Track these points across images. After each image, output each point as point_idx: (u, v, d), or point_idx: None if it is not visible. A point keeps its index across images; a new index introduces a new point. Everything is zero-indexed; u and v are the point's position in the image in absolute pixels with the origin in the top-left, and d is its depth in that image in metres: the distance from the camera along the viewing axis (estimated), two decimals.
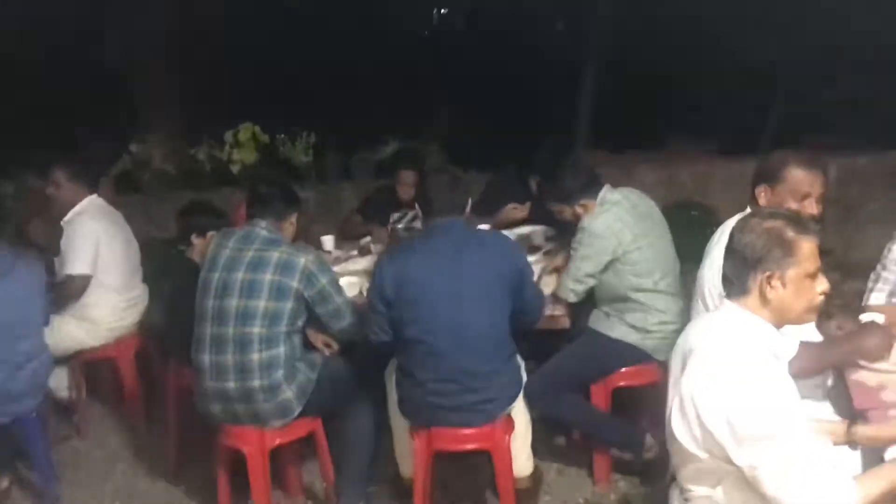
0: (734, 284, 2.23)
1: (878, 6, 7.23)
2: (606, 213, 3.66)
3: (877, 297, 3.30)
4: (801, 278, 2.17)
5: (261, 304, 3.32)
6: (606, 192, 3.74)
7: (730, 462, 2.08)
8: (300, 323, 3.45)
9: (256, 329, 3.31)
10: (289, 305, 3.35)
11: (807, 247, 2.17)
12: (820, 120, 7.86)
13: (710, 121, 8.20)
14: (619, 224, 3.62)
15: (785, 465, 2.00)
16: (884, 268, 3.31)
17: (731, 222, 3.01)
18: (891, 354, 2.75)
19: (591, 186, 3.76)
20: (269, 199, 3.56)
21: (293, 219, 3.63)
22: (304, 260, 3.37)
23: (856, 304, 3.41)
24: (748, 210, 3.02)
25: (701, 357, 2.15)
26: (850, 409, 2.62)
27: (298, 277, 3.35)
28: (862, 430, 2.37)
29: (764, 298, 2.18)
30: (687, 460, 2.23)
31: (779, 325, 2.23)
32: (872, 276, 3.34)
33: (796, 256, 2.15)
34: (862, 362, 2.74)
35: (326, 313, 3.47)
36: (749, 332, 2.17)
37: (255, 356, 3.31)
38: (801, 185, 2.89)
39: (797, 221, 2.22)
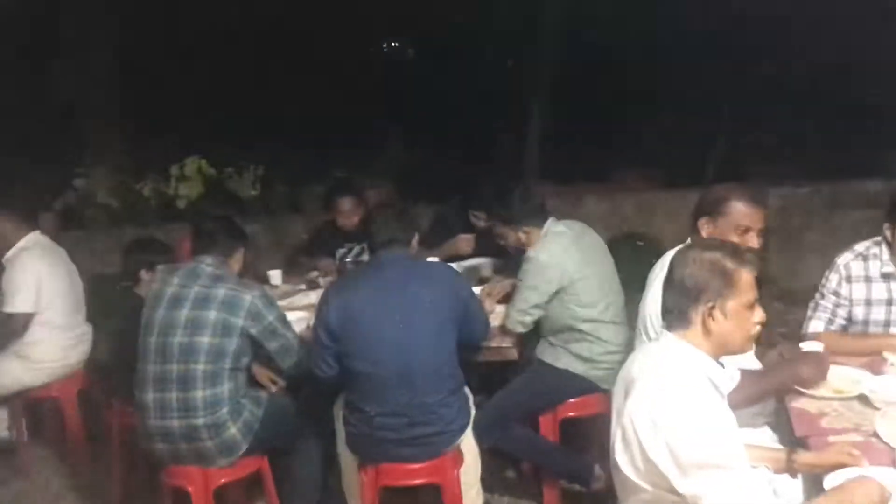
0: (675, 316, 2.24)
1: (817, 44, 7.47)
2: (551, 244, 3.69)
3: (815, 325, 3.36)
4: (741, 309, 2.19)
5: (205, 340, 3.27)
6: (551, 224, 3.79)
7: (674, 492, 2.09)
8: (245, 360, 3.41)
9: (200, 366, 3.27)
10: (234, 343, 3.31)
11: (745, 278, 2.20)
12: (762, 152, 8.07)
13: (655, 153, 8.36)
14: (564, 254, 3.66)
15: (729, 494, 2.02)
16: (822, 296, 3.38)
17: (671, 254, 3.06)
18: (826, 381, 2.80)
19: (538, 215, 3.80)
20: (215, 236, 3.53)
21: (239, 255, 3.61)
22: (249, 297, 3.34)
23: (798, 332, 3.47)
24: (688, 241, 3.07)
25: (642, 388, 2.17)
26: (792, 437, 2.66)
27: (244, 315, 3.32)
28: (802, 458, 2.41)
29: (706, 330, 2.20)
30: (631, 491, 2.24)
31: (718, 356, 2.25)
32: (811, 304, 3.40)
33: (736, 287, 2.18)
34: (802, 389, 2.79)
35: (275, 350, 3.44)
36: (688, 362, 2.19)
37: (199, 393, 3.27)
38: (743, 219, 2.94)
39: (735, 252, 2.25)
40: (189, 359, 3.27)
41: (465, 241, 4.88)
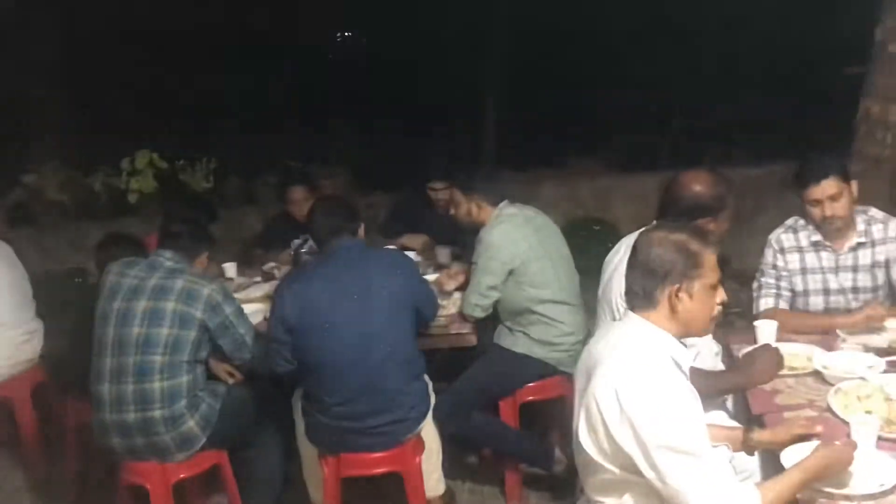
0: (640, 297, 2.24)
1: (769, 27, 7.57)
2: (503, 224, 3.71)
3: (765, 302, 3.44)
4: (706, 289, 2.21)
5: (163, 331, 3.24)
6: (504, 205, 3.80)
7: (638, 473, 2.10)
8: (203, 353, 3.38)
9: (158, 357, 3.23)
10: (192, 334, 3.28)
11: (710, 258, 2.22)
12: (715, 134, 8.16)
13: (611, 138, 8.42)
14: (516, 233, 3.68)
15: (693, 475, 2.03)
16: (762, 273, 3.48)
17: (630, 237, 3.08)
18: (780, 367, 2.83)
19: (494, 192, 3.82)
20: (179, 239, 3.49)
21: (203, 258, 3.59)
22: (208, 290, 3.31)
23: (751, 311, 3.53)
24: (644, 227, 3.08)
25: (606, 369, 2.17)
26: (748, 414, 2.69)
27: (202, 307, 3.28)
28: (758, 435, 2.43)
29: (672, 310, 2.21)
30: (593, 472, 2.24)
31: (681, 337, 2.26)
32: (755, 284, 3.50)
33: (702, 268, 2.19)
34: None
35: (229, 344, 3.40)
36: (652, 343, 2.20)
37: (157, 385, 3.22)
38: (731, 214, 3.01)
39: (700, 234, 2.27)
40: (147, 350, 3.23)
41: (418, 240, 4.87)
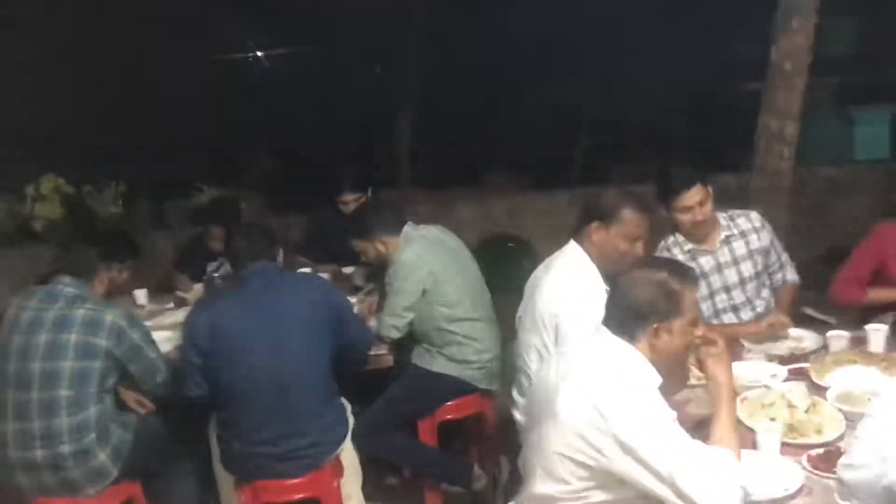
0: (620, 333, 2.26)
1: (672, 45, 7.79)
2: (413, 244, 3.75)
3: None
4: (686, 326, 2.26)
5: (66, 364, 3.14)
6: (409, 228, 3.83)
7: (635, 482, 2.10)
8: (111, 382, 3.29)
9: (63, 392, 3.13)
10: (97, 365, 3.19)
11: (689, 296, 2.27)
12: (622, 150, 8.35)
13: (522, 156, 8.54)
14: (428, 254, 3.72)
15: (696, 468, 2.05)
16: None
17: (561, 254, 3.13)
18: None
19: (392, 222, 3.84)
20: (76, 254, 3.40)
21: (103, 276, 3.48)
22: (111, 316, 3.22)
23: None
24: (570, 242, 3.13)
25: (580, 390, 2.16)
26: None
27: (106, 335, 3.20)
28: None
29: (653, 348, 2.25)
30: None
31: (657, 367, 2.28)
32: None
33: (681, 307, 2.24)
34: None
35: (139, 370, 3.32)
36: (620, 355, 2.23)
37: (64, 421, 3.13)
38: (635, 228, 3.04)
39: (680, 272, 2.31)
40: (50, 385, 3.13)
41: (329, 269, 4.85)
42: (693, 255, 3.54)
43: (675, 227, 3.57)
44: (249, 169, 8.25)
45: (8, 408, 3.18)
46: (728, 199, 6.33)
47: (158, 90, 8.84)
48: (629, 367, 2.21)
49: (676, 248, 3.57)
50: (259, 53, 11.45)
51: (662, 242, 3.61)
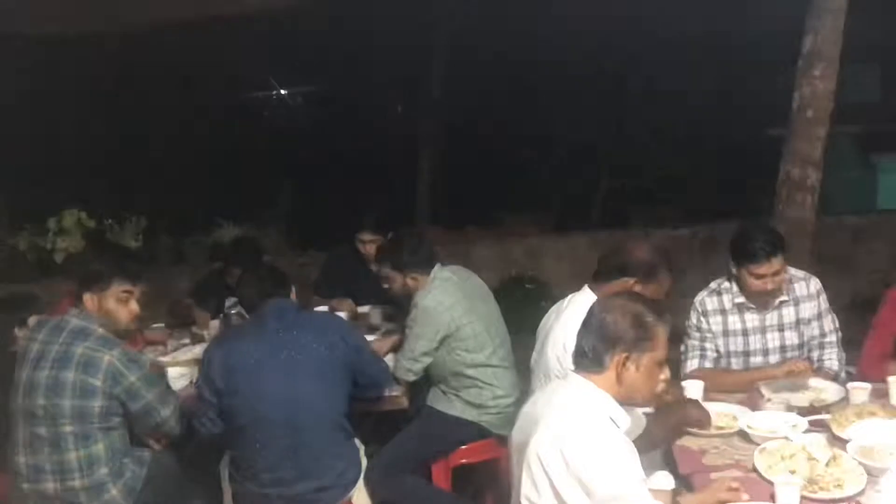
0: (588, 359, 2.28)
1: (694, 90, 7.81)
2: (437, 290, 3.72)
3: (691, 364, 3.53)
4: (653, 364, 2.27)
5: (66, 403, 3.11)
6: (438, 270, 3.81)
7: None
8: (116, 419, 3.23)
9: (67, 428, 3.12)
10: (96, 404, 3.14)
11: (662, 334, 2.28)
12: (642, 195, 8.34)
13: (542, 198, 8.54)
14: (450, 300, 3.68)
15: None
16: (688, 336, 3.57)
17: (569, 300, 3.12)
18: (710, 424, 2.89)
19: (426, 261, 3.82)
20: (92, 266, 3.40)
21: (116, 288, 3.31)
22: (108, 357, 3.15)
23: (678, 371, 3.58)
24: (584, 288, 3.12)
25: (547, 427, 2.19)
26: (676, 475, 2.71)
27: (102, 376, 3.13)
28: (686, 499, 2.46)
29: (618, 377, 2.25)
30: None
31: (623, 402, 2.29)
32: (682, 347, 3.56)
33: (653, 341, 2.25)
34: (690, 430, 2.86)
35: (137, 411, 3.24)
36: (592, 402, 2.23)
37: (73, 455, 3.13)
38: (665, 286, 3.10)
39: (655, 309, 2.32)
40: (55, 421, 3.13)
41: (345, 305, 4.84)
42: (741, 308, 3.48)
43: (734, 276, 3.48)
44: (269, 205, 8.29)
45: (20, 441, 3.19)
46: None
47: (183, 127, 8.93)
48: (597, 413, 2.22)
49: (727, 294, 3.50)
50: (283, 91, 11.59)
51: (714, 283, 3.56)
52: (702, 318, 3.52)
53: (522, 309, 5.19)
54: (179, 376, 3.86)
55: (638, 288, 3.00)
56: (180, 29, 7.51)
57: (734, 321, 3.49)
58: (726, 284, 3.52)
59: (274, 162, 9.31)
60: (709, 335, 3.50)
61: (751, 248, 3.33)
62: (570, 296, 3.21)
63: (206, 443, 3.38)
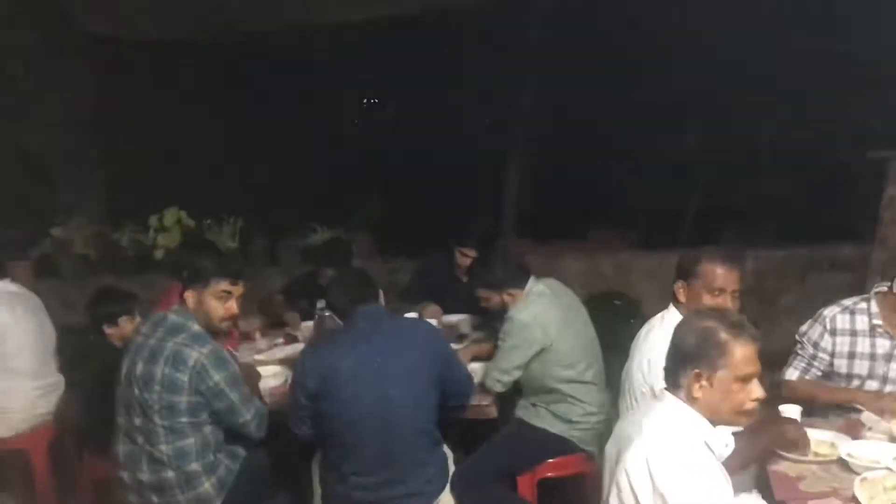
0: (669, 377, 2.27)
1: (791, 106, 7.64)
2: (533, 304, 3.71)
3: (791, 372, 3.46)
4: (730, 381, 2.21)
5: (154, 397, 3.21)
6: (532, 284, 3.81)
7: None
8: (204, 415, 3.29)
9: (158, 420, 3.22)
10: (183, 399, 3.21)
11: (740, 350, 2.22)
12: (737, 214, 8.17)
13: (632, 213, 8.45)
14: (545, 315, 3.67)
15: None
16: (801, 345, 3.45)
17: (657, 319, 3.11)
18: (808, 446, 2.82)
19: (520, 276, 3.82)
20: (195, 264, 3.45)
21: (216, 286, 3.36)
22: (196, 354, 3.22)
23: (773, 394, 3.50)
24: (670, 306, 3.11)
25: (638, 446, 2.18)
26: (772, 501, 2.66)
27: (189, 373, 3.20)
28: None
29: (691, 396, 2.22)
30: None
31: (712, 422, 2.26)
32: (792, 355, 3.48)
33: (727, 358, 2.20)
34: (782, 453, 2.80)
35: (221, 409, 3.31)
36: (685, 424, 2.20)
37: (164, 447, 3.22)
38: (716, 280, 3.00)
39: (734, 324, 2.27)
40: (147, 413, 3.23)
41: (432, 311, 4.89)
42: (874, 331, 3.33)
43: (870, 298, 3.37)
44: (358, 212, 8.40)
45: (120, 430, 3.32)
46: (845, 270, 6.17)
47: (280, 132, 9.13)
48: (691, 437, 2.18)
49: (862, 315, 3.35)
50: (374, 100, 11.75)
51: (849, 301, 3.41)
52: (826, 336, 3.38)
53: (610, 325, 5.12)
54: (273, 375, 3.95)
55: (685, 290, 3.03)
56: (282, 34, 7.75)
57: (864, 344, 3.34)
58: (862, 305, 3.37)
59: (366, 169, 9.43)
60: (824, 355, 3.38)
61: None
62: (661, 313, 3.19)
63: (297, 442, 3.44)
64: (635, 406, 2.95)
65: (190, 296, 3.37)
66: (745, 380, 2.23)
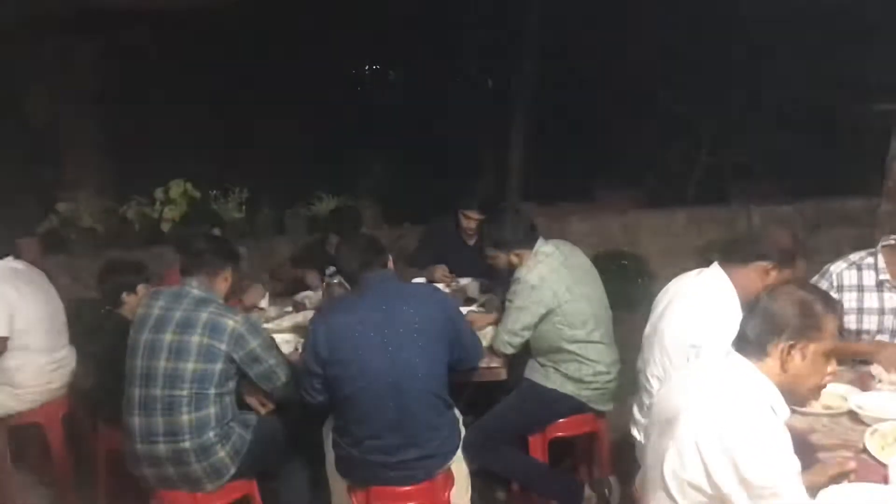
0: (752, 345, 2.22)
1: (797, 62, 7.56)
2: (541, 265, 3.70)
3: None
4: (820, 354, 2.19)
5: (189, 366, 3.25)
6: (540, 244, 3.79)
7: None
8: (231, 384, 3.38)
9: (185, 391, 3.24)
10: (218, 367, 3.29)
11: (831, 324, 2.20)
12: (742, 169, 8.13)
13: (638, 172, 8.41)
14: (553, 276, 3.66)
15: None
16: None
17: (676, 281, 3.08)
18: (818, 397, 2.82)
19: (529, 237, 3.81)
20: (203, 254, 3.50)
21: (226, 274, 3.56)
22: (232, 322, 3.31)
23: None
24: (714, 266, 3.04)
25: (702, 405, 2.15)
26: None
27: (227, 339, 3.28)
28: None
29: (782, 367, 2.19)
30: None
31: (786, 398, 2.23)
32: None
33: (821, 332, 2.18)
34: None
35: (258, 375, 3.41)
36: (752, 384, 2.18)
37: (185, 417, 3.25)
38: (800, 274, 2.99)
39: (827, 299, 2.26)
40: (173, 384, 3.25)
41: (440, 272, 4.89)
42: (882, 286, 3.35)
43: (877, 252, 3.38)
44: (364, 178, 8.38)
45: (135, 402, 3.32)
46: (854, 224, 6.15)
47: (283, 101, 9.09)
48: (760, 399, 2.15)
49: (868, 270, 3.37)
50: (376, 66, 11.67)
51: (855, 256, 3.42)
52: (832, 292, 3.36)
53: (618, 285, 5.12)
54: (284, 342, 3.96)
55: (774, 273, 2.93)
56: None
57: (870, 299, 3.35)
58: (869, 260, 3.38)
59: (369, 135, 9.39)
60: None
61: None
62: (696, 269, 3.15)
63: (309, 410, 3.46)
64: (668, 365, 2.95)
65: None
66: (830, 355, 2.22)
